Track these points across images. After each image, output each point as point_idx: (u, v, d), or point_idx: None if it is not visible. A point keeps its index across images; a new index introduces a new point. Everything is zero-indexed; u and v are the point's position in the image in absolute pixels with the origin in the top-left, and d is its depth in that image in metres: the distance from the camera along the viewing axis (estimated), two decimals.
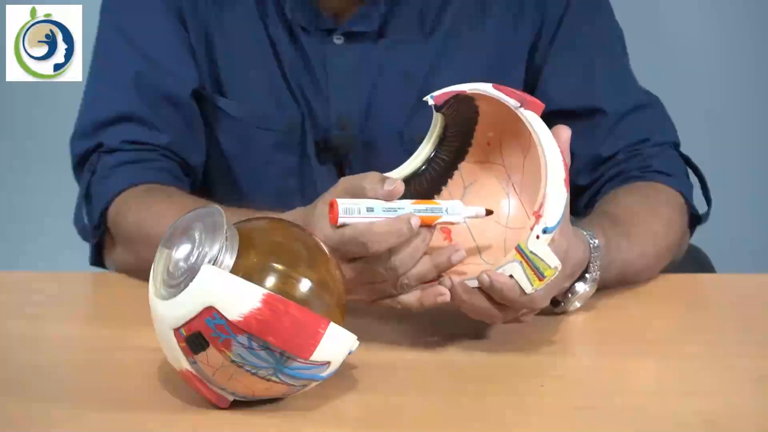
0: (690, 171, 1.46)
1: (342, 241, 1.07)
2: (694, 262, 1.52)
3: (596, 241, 1.21)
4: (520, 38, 1.46)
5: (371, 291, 1.11)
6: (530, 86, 1.47)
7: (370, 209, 1.08)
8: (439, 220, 1.09)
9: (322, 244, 1.02)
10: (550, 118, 1.14)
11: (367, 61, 1.44)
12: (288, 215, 1.18)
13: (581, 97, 1.45)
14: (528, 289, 1.08)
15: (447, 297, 1.09)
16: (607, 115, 1.45)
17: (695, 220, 1.43)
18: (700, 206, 1.44)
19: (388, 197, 1.08)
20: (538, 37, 1.46)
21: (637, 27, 1.67)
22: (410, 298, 1.10)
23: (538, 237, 1.07)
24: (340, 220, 1.07)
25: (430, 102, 1.14)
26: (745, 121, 2.52)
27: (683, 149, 1.48)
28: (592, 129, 1.45)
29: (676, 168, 1.44)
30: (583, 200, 1.46)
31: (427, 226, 1.09)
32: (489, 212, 1.13)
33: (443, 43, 1.45)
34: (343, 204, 1.08)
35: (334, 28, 1.44)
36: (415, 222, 1.07)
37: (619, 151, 1.44)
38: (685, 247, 1.44)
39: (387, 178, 1.10)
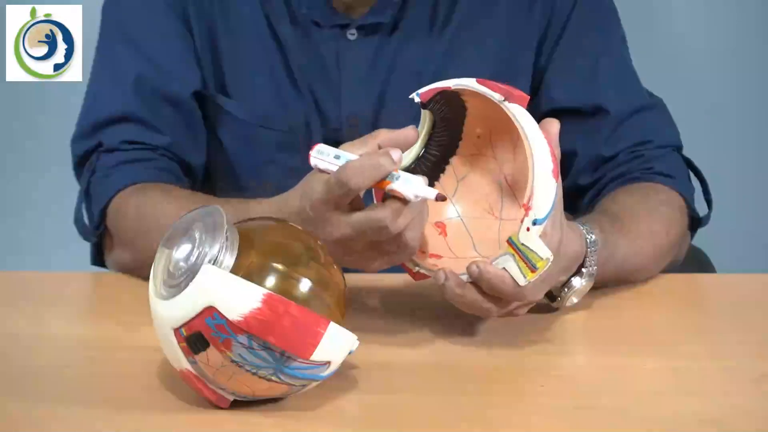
0: (692, 174, 1.46)
1: (329, 188, 1.08)
2: (694, 262, 1.52)
3: (593, 235, 1.21)
4: (528, 37, 1.46)
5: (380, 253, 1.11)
6: (534, 88, 1.47)
7: (337, 157, 1.08)
8: (390, 186, 1.07)
9: (321, 243, 1.02)
10: (553, 117, 1.14)
11: (379, 58, 1.44)
12: (289, 194, 1.19)
13: (584, 96, 1.45)
14: (521, 281, 1.08)
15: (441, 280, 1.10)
16: (610, 115, 1.45)
17: (696, 222, 1.43)
18: (702, 209, 1.44)
19: (402, 142, 1.10)
20: (543, 39, 1.46)
21: (638, 27, 1.67)
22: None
23: (528, 229, 1.07)
24: (312, 161, 1.08)
25: (417, 99, 1.14)
26: (746, 121, 2.52)
27: (685, 150, 1.48)
28: (594, 128, 1.45)
29: (677, 170, 1.44)
30: (585, 200, 1.46)
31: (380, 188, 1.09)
32: (441, 198, 1.08)
33: (453, 39, 1.45)
34: (319, 147, 1.09)
35: (348, 22, 1.44)
36: (396, 155, 1.06)
37: (621, 152, 1.44)
38: (686, 249, 1.43)
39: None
